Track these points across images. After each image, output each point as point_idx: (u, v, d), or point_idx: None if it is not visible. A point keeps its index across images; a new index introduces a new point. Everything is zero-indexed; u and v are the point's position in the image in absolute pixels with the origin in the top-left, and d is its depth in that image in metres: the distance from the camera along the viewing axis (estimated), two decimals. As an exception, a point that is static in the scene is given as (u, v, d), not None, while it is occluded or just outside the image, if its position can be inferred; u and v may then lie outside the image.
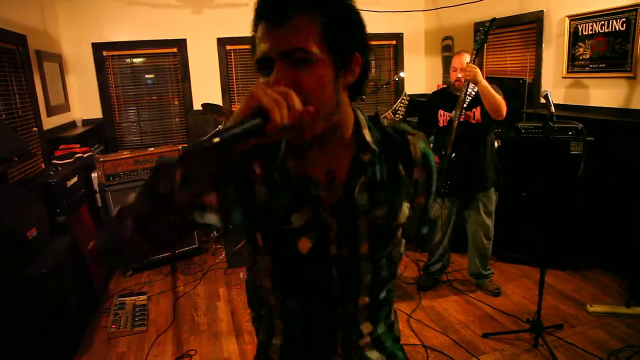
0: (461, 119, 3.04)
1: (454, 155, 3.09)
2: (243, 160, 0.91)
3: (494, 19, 3.06)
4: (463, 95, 2.99)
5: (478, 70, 2.91)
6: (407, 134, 1.00)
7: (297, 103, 0.76)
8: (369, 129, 0.96)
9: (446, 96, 3.27)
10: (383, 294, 1.06)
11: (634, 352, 2.58)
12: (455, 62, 3.18)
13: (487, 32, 3.00)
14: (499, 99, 2.90)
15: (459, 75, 3.10)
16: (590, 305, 3.05)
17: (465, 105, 3.04)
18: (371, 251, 0.96)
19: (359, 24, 0.87)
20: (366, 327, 1.06)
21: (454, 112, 3.08)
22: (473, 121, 3.09)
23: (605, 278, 3.44)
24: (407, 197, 0.99)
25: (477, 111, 3.07)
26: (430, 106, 3.37)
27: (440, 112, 3.23)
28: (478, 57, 3.14)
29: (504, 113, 2.94)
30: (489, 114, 2.96)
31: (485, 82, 2.90)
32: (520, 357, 2.63)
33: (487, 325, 2.97)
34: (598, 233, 3.52)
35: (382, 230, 0.96)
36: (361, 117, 0.96)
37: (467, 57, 3.12)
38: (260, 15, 0.83)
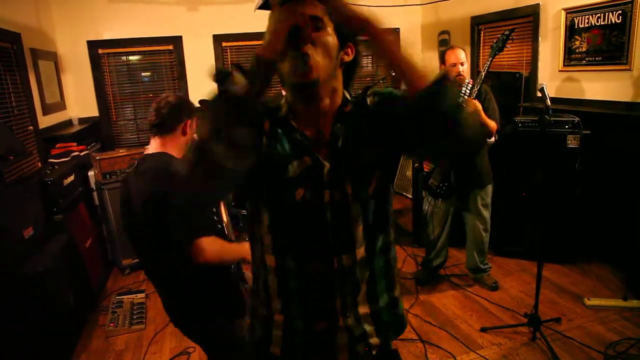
0: None
1: None
2: (257, 118, 1.05)
3: (513, 29, 3.07)
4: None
5: (478, 105, 2.92)
6: (377, 89, 1.17)
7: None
8: (350, 99, 1.15)
9: None
10: (379, 244, 1.14)
11: (631, 344, 2.59)
12: (452, 58, 3.10)
13: (504, 41, 2.99)
14: (491, 125, 2.98)
15: (460, 69, 3.06)
16: (588, 299, 3.05)
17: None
18: (354, 190, 1.08)
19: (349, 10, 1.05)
20: (364, 288, 1.14)
21: None
22: None
23: (602, 271, 3.45)
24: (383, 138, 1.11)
25: None
26: None
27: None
28: (472, 54, 3.14)
29: (493, 134, 3.06)
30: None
31: (484, 117, 2.93)
32: (519, 351, 2.63)
33: (485, 319, 2.98)
34: (595, 226, 3.52)
35: (363, 172, 1.10)
36: (346, 92, 1.14)
37: (462, 51, 3.10)
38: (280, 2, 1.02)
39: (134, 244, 1.87)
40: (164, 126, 1.82)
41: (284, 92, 2.30)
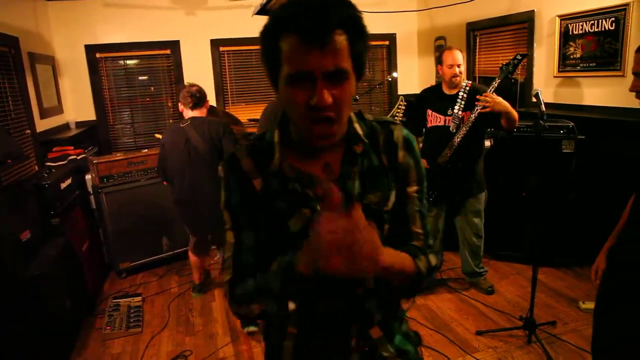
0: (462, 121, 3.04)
1: (449, 167, 3.09)
2: (246, 178, 1.01)
3: (526, 54, 3.02)
4: (458, 111, 3.04)
5: (498, 99, 2.84)
6: (390, 124, 1.08)
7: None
8: (358, 123, 1.04)
9: (436, 95, 3.23)
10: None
11: (626, 347, 2.60)
12: (450, 59, 3.07)
13: (516, 65, 2.94)
14: (516, 114, 2.91)
15: (456, 71, 3.05)
16: (583, 302, 3.08)
17: (458, 111, 3.04)
18: None
19: (368, 39, 0.95)
20: (377, 316, 1.08)
21: (452, 123, 3.06)
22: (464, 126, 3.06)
23: (597, 275, 3.47)
24: (394, 184, 1.05)
25: (465, 115, 3.05)
26: (418, 104, 3.35)
27: (429, 111, 3.21)
28: (470, 60, 3.15)
29: (515, 125, 2.97)
30: (489, 121, 2.98)
31: (507, 107, 2.85)
32: (514, 354, 2.65)
33: (481, 322, 2.99)
34: (590, 231, 3.55)
35: (374, 215, 0.99)
36: (351, 114, 1.03)
37: (459, 53, 3.08)
38: (293, 29, 0.85)
39: (190, 171, 3.14)
40: (202, 101, 3.25)
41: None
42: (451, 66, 3.07)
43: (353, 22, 0.88)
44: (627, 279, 1.69)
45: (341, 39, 0.86)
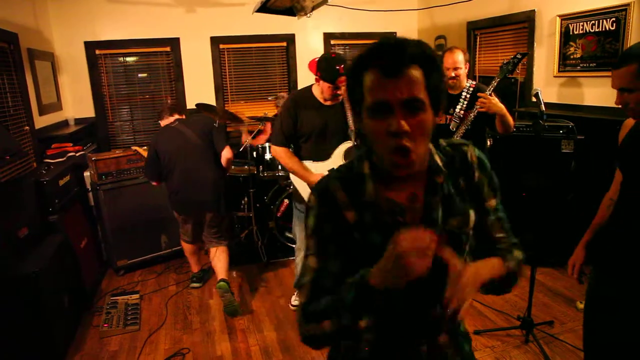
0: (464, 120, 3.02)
1: None
2: (338, 211, 1.06)
3: (526, 54, 3.01)
4: (461, 107, 3.01)
5: (494, 100, 2.80)
6: (461, 146, 1.15)
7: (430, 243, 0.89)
8: (437, 154, 1.10)
9: None
10: None
11: (623, 348, 2.60)
12: (448, 62, 3.07)
13: (516, 64, 2.90)
14: (511, 120, 2.90)
15: (453, 74, 3.05)
16: (581, 302, 3.07)
17: (460, 111, 3.03)
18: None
19: (443, 76, 1.02)
20: (444, 325, 1.17)
21: (452, 122, 3.05)
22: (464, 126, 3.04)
23: (595, 275, 3.47)
24: (472, 204, 1.12)
25: (467, 115, 3.02)
26: None
27: None
28: (471, 59, 3.12)
29: (512, 129, 2.95)
30: (486, 121, 2.96)
31: (502, 109, 2.82)
32: (511, 354, 2.65)
33: (479, 322, 2.99)
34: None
35: (455, 237, 1.07)
36: (430, 145, 1.08)
37: (460, 55, 3.06)
38: (374, 65, 0.95)
39: (186, 161, 3.31)
40: (176, 109, 3.64)
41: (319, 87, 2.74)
42: (447, 69, 3.05)
43: (427, 58, 0.96)
44: (615, 275, 1.73)
45: (416, 72, 0.94)
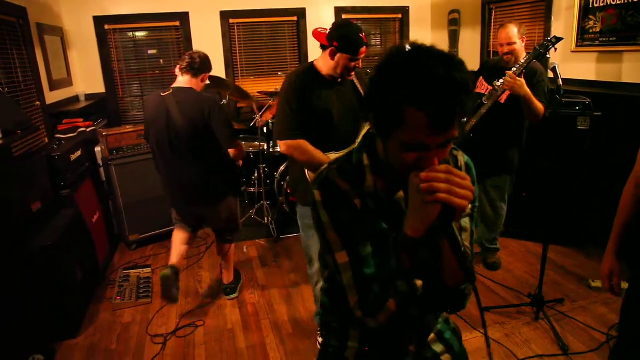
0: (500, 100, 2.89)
1: (472, 136, 2.99)
2: (347, 197, 1.07)
3: (561, 38, 2.75)
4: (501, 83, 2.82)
5: (520, 82, 2.72)
6: (453, 150, 1.16)
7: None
8: None
9: (496, 66, 3.08)
10: None
11: (635, 326, 2.59)
12: (501, 37, 2.94)
13: (548, 48, 2.73)
14: (539, 108, 2.79)
15: (507, 50, 2.92)
16: (593, 281, 3.05)
17: (501, 85, 2.83)
18: None
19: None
20: (433, 323, 1.26)
21: (488, 93, 2.92)
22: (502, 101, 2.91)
23: (608, 254, 3.44)
24: None
25: (504, 96, 2.91)
26: (478, 71, 3.25)
27: (481, 78, 3.08)
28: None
29: (540, 118, 2.84)
30: (516, 106, 2.85)
31: (528, 93, 2.73)
32: (521, 330, 2.65)
33: (489, 299, 2.99)
34: (603, 209, 3.50)
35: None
36: None
37: (513, 29, 2.90)
38: (422, 107, 0.88)
39: (172, 147, 2.66)
40: (197, 70, 2.71)
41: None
42: (501, 45, 2.94)
43: (467, 97, 0.91)
44: None
45: (457, 117, 0.93)
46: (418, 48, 0.92)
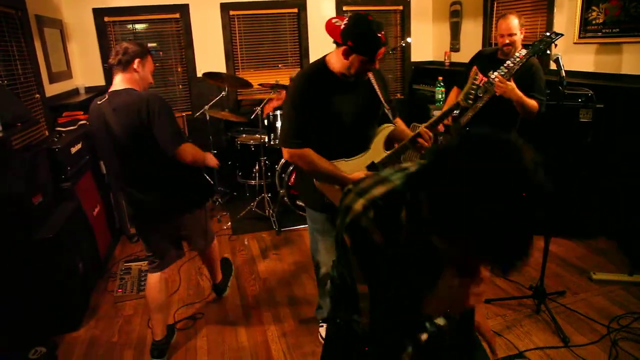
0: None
1: (467, 128, 2.93)
2: (377, 248, 1.03)
3: (561, 34, 2.69)
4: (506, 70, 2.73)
5: (512, 86, 2.68)
6: None
7: None
8: None
9: (490, 56, 3.04)
10: None
11: (635, 318, 2.60)
12: (502, 28, 2.90)
13: (549, 45, 2.66)
14: (532, 105, 2.76)
15: (507, 40, 2.88)
16: (594, 273, 3.05)
17: (495, 77, 2.76)
18: None
19: None
20: None
21: (483, 85, 2.81)
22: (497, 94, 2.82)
23: (609, 247, 3.44)
24: None
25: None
26: (471, 60, 3.17)
27: (474, 68, 3.00)
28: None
29: (534, 115, 2.80)
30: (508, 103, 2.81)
31: (519, 96, 2.70)
32: (522, 322, 2.65)
33: (490, 290, 2.99)
34: (604, 202, 3.49)
35: None
36: None
37: (514, 20, 2.86)
38: None
39: (118, 157, 2.27)
40: (126, 61, 2.25)
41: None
42: (502, 35, 2.91)
43: None
44: None
45: None
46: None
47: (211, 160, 2.54)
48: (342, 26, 1.94)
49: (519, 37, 2.89)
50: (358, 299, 1.11)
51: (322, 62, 2.09)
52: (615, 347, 2.38)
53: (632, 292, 2.87)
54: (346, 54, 1.95)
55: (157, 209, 2.39)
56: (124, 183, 2.36)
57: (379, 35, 1.90)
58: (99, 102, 2.26)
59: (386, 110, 2.22)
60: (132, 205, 2.44)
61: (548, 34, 2.69)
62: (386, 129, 2.22)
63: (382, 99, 2.18)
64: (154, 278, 2.52)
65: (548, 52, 2.74)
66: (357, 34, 1.92)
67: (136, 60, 2.26)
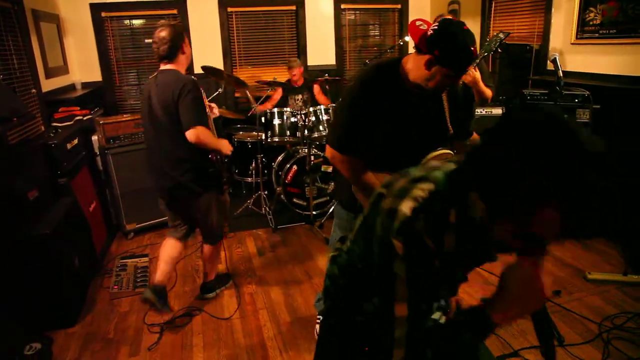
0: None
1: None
2: (430, 255, 0.98)
3: (508, 33, 2.90)
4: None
5: (478, 76, 2.82)
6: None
7: None
8: None
9: None
10: None
11: (629, 318, 2.62)
12: None
13: (498, 45, 2.85)
14: (489, 93, 2.92)
15: None
16: (589, 273, 3.07)
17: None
18: None
19: None
20: None
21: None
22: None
23: (605, 247, 3.46)
24: None
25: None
26: None
27: None
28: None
29: (488, 102, 3.00)
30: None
31: (481, 84, 2.85)
32: (518, 322, 2.66)
33: (486, 290, 3.00)
34: (602, 202, 3.51)
35: None
36: None
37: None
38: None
39: (153, 128, 2.61)
40: (165, 56, 2.54)
41: None
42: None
43: None
44: None
45: None
46: None
47: (224, 146, 2.70)
48: (430, 32, 1.67)
49: None
50: (392, 327, 1.00)
51: (397, 64, 1.81)
52: (608, 346, 2.40)
53: (627, 292, 2.89)
54: (429, 64, 1.67)
55: (170, 183, 2.63)
56: (155, 155, 2.66)
57: (472, 49, 1.64)
58: (150, 77, 2.65)
59: (448, 134, 1.94)
60: (153, 175, 2.73)
61: (496, 33, 2.92)
62: (439, 153, 1.87)
63: (448, 121, 1.93)
64: (171, 240, 2.87)
65: (500, 50, 2.96)
66: (446, 44, 1.63)
67: (178, 50, 2.58)
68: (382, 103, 1.77)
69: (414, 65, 1.74)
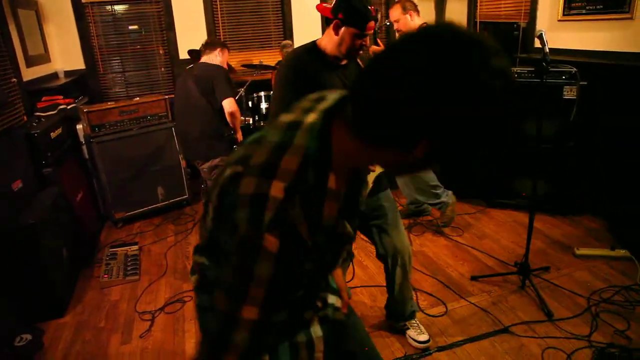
0: None
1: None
2: (302, 245, 0.81)
3: (391, 24, 3.46)
4: None
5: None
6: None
7: None
8: None
9: None
10: None
11: (616, 291, 2.65)
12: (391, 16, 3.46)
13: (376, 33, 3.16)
14: None
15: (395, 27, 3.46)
16: (577, 249, 3.10)
17: None
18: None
19: None
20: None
21: None
22: None
23: (593, 223, 3.49)
24: None
25: None
26: None
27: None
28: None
29: None
30: None
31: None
32: (508, 298, 2.69)
33: (476, 268, 3.02)
34: (588, 179, 3.53)
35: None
36: None
37: (395, 11, 3.37)
38: None
39: (185, 111, 3.35)
40: (205, 50, 3.39)
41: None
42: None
43: None
44: None
45: None
46: None
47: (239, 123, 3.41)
48: (334, 1, 1.93)
49: (405, 21, 3.36)
50: (232, 329, 0.83)
51: (313, 43, 2.05)
52: (596, 319, 2.44)
53: (613, 265, 2.93)
54: (337, 28, 1.92)
55: (194, 144, 3.33)
56: (186, 126, 3.37)
57: (369, 7, 1.89)
58: (187, 68, 3.48)
59: None
60: (186, 143, 3.49)
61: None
62: None
63: None
64: None
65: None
66: (346, 5, 1.89)
67: (218, 49, 3.36)
68: (311, 72, 1.96)
69: (328, 37, 1.97)
